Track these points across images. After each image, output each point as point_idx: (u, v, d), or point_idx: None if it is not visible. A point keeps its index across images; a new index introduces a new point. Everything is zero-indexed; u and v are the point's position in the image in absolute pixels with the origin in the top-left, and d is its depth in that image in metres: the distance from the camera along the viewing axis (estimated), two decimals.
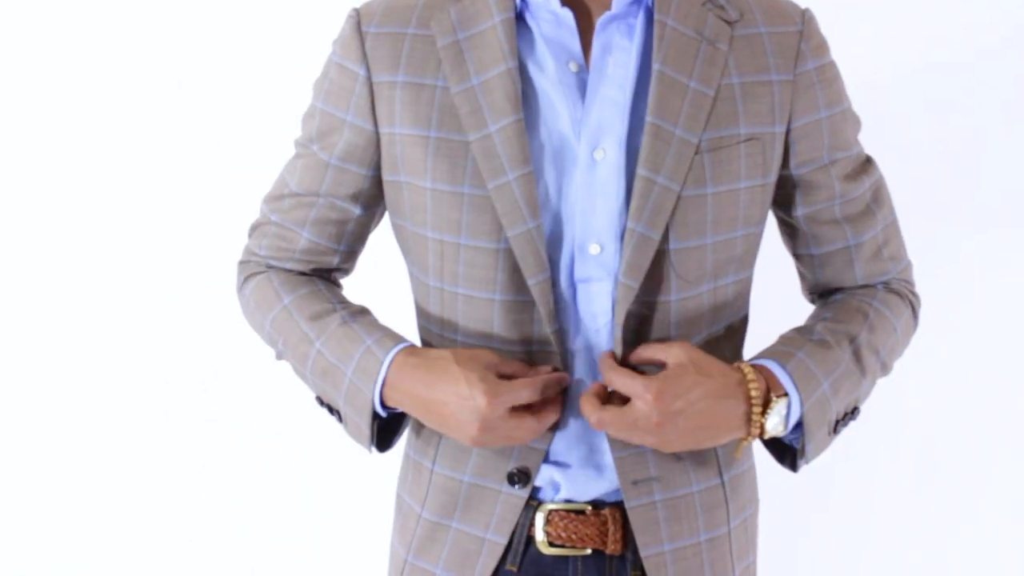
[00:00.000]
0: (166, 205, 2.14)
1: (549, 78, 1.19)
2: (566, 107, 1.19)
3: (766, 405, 1.19)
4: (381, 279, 1.70)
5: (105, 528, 2.24)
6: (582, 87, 1.19)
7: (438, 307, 1.25)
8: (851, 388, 1.26)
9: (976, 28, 2.00)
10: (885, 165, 1.38)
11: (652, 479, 1.23)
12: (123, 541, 2.25)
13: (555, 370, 1.20)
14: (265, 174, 1.43)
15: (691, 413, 1.15)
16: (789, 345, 1.25)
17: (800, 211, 1.30)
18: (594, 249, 1.19)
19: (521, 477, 1.23)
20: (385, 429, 1.29)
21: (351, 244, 1.33)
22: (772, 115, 1.22)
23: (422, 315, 1.30)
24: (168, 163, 2.13)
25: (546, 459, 1.24)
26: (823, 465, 1.45)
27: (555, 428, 1.22)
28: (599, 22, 1.19)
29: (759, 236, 1.27)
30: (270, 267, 1.35)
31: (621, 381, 1.16)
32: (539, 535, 1.24)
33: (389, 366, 1.21)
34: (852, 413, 1.29)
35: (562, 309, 1.20)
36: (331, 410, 1.29)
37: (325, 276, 1.36)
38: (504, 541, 1.24)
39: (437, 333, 1.27)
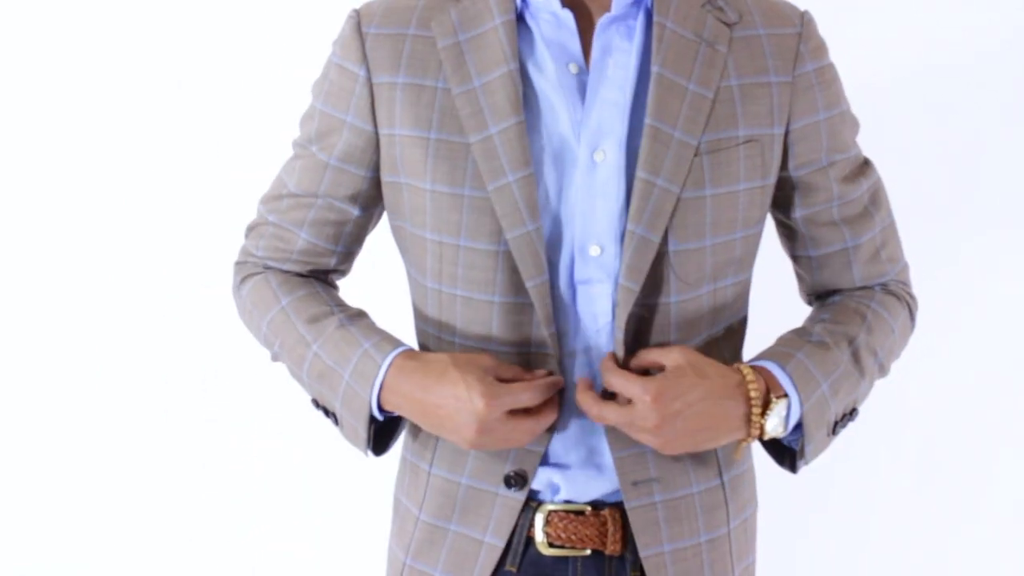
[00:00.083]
0: (166, 205, 2.14)
1: (549, 80, 1.19)
2: (566, 109, 1.19)
3: (766, 406, 1.19)
4: (379, 280, 1.70)
5: (105, 528, 2.24)
6: (582, 89, 1.19)
7: (436, 309, 1.25)
8: (850, 389, 1.26)
9: (975, 31, 2.00)
10: (884, 167, 1.38)
11: (652, 480, 1.23)
12: (123, 541, 2.25)
13: (551, 374, 1.20)
14: (265, 174, 1.43)
15: (690, 414, 1.15)
16: (788, 346, 1.25)
17: (798, 213, 1.30)
18: (594, 251, 1.19)
19: (518, 480, 1.23)
20: (381, 433, 1.28)
21: (348, 245, 1.33)
22: (771, 117, 1.22)
23: (420, 317, 1.30)
24: (168, 163, 2.13)
25: (546, 460, 1.24)
26: (823, 465, 1.46)
27: (552, 430, 1.22)
28: (599, 23, 1.19)
29: (758, 238, 1.28)
30: (267, 268, 1.35)
31: (620, 383, 1.16)
32: (539, 536, 1.24)
33: (387, 370, 1.21)
34: (851, 414, 1.29)
35: (562, 311, 1.21)
36: (327, 413, 1.29)
37: (322, 277, 1.36)
38: (502, 544, 1.24)
39: (435, 335, 1.27)
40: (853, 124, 1.32)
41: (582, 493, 1.25)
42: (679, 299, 1.21)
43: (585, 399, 1.18)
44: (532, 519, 1.25)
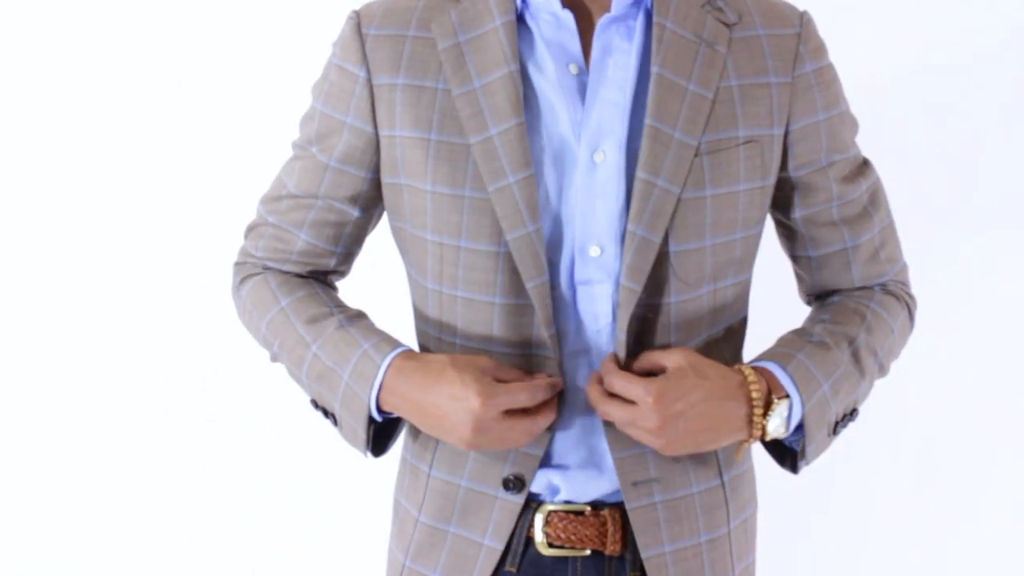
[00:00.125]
0: (166, 205, 2.14)
1: (549, 80, 1.19)
2: (566, 109, 1.19)
3: (767, 407, 1.19)
4: (379, 281, 1.70)
5: (105, 528, 2.24)
6: (582, 89, 1.19)
7: (437, 310, 1.25)
8: (850, 389, 1.26)
9: (974, 31, 2.00)
10: (883, 167, 1.38)
11: (652, 480, 1.23)
12: (123, 541, 2.25)
13: (551, 376, 1.20)
14: (265, 174, 1.43)
15: (691, 415, 1.15)
16: (788, 347, 1.26)
17: (798, 213, 1.30)
18: (594, 251, 1.19)
19: (516, 483, 1.23)
20: (380, 434, 1.28)
21: (348, 246, 1.33)
22: (770, 117, 1.22)
23: (420, 318, 1.30)
24: (168, 163, 2.13)
25: (546, 461, 1.24)
26: (823, 465, 1.45)
27: (551, 430, 1.22)
28: (599, 24, 1.19)
29: (758, 238, 1.28)
30: (266, 269, 1.35)
31: (622, 385, 1.16)
32: (538, 536, 1.24)
33: (386, 370, 1.21)
34: (851, 414, 1.29)
35: (562, 311, 1.21)
36: (326, 414, 1.29)
37: (321, 279, 1.36)
38: (501, 546, 1.24)
39: (435, 336, 1.27)
40: (852, 124, 1.32)
41: (582, 493, 1.25)
42: (679, 299, 1.21)
43: (593, 392, 1.18)
44: (532, 519, 1.25)
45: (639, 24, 1.20)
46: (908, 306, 1.37)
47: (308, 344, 1.26)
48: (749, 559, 1.35)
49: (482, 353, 1.22)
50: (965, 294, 2.08)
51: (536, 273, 1.17)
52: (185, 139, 2.12)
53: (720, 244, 1.21)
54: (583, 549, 1.24)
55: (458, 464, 1.26)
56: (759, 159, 1.22)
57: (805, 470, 1.28)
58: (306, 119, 1.30)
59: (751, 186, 1.22)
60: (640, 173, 1.16)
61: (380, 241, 1.38)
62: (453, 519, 1.26)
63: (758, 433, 1.19)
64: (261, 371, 1.78)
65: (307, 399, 1.32)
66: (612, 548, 1.24)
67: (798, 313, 1.40)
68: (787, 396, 1.20)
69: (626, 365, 1.20)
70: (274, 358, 1.34)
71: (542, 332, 1.19)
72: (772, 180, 1.25)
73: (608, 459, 1.24)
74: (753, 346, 1.32)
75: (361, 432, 1.24)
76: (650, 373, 1.19)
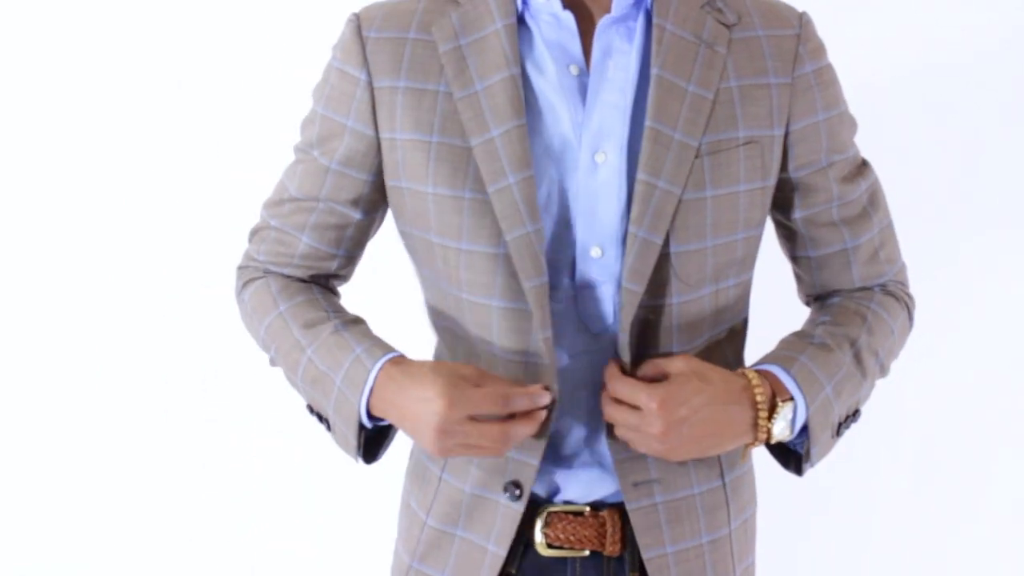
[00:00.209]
0: (166, 206, 2.14)
1: (550, 82, 1.19)
2: (567, 111, 1.18)
3: (772, 410, 1.19)
4: (380, 286, 1.70)
5: (105, 528, 2.24)
6: (583, 90, 1.19)
7: (453, 310, 1.25)
8: (853, 390, 1.26)
9: (974, 30, 2.00)
10: (883, 167, 1.38)
11: (653, 481, 1.23)
12: (123, 541, 2.25)
13: (547, 388, 1.18)
14: (265, 175, 1.43)
15: (695, 420, 1.15)
16: (791, 350, 1.26)
17: (798, 214, 1.30)
18: (595, 252, 1.19)
19: (515, 490, 1.22)
20: (373, 441, 1.27)
21: (350, 250, 1.33)
22: (770, 118, 1.22)
23: (436, 314, 1.29)
24: (168, 164, 2.13)
25: (548, 462, 1.24)
26: (822, 466, 1.45)
27: (539, 437, 1.20)
28: (599, 25, 1.19)
29: (759, 239, 1.28)
30: (268, 272, 1.34)
31: (625, 390, 1.16)
32: (537, 537, 1.24)
33: (376, 376, 1.20)
34: (853, 415, 1.29)
35: (563, 313, 1.20)
36: (320, 418, 1.28)
37: (323, 283, 1.35)
38: (504, 552, 1.24)
39: (451, 336, 1.27)
40: (852, 125, 1.32)
41: (582, 494, 1.25)
42: (681, 300, 1.21)
43: (606, 393, 1.18)
44: (532, 520, 1.25)
45: (639, 25, 1.20)
46: (907, 306, 1.37)
47: (303, 348, 1.26)
48: (749, 559, 1.36)
49: (486, 358, 1.21)
50: (965, 294, 2.08)
51: (535, 273, 1.17)
52: (185, 139, 2.12)
53: (721, 245, 1.21)
54: (582, 550, 1.24)
55: (464, 470, 1.26)
56: (759, 160, 1.22)
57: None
58: (307, 122, 1.30)
59: (751, 187, 1.22)
60: (641, 174, 1.16)
61: (381, 247, 1.38)
62: (460, 523, 1.26)
63: (763, 436, 1.19)
64: (261, 371, 1.77)
65: (303, 403, 1.32)
66: (611, 549, 1.24)
67: (798, 314, 1.40)
68: (791, 399, 1.20)
69: (630, 372, 1.19)
70: (273, 362, 1.34)
71: (538, 337, 1.18)
72: (772, 181, 1.25)
73: (608, 460, 1.24)
74: (754, 347, 1.32)
75: (352, 438, 1.23)
76: (654, 380, 1.19)
